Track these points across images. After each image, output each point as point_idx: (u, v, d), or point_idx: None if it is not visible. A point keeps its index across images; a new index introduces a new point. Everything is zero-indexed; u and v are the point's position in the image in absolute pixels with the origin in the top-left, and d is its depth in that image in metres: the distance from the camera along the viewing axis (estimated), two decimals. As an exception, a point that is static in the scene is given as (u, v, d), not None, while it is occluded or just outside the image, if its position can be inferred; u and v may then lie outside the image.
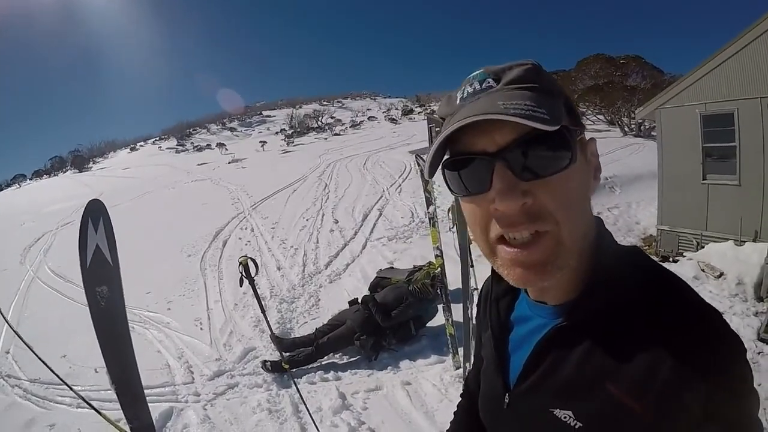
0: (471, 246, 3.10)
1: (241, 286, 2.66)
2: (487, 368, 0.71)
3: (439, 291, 4.57)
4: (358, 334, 4.01)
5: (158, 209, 13.75)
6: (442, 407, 3.31)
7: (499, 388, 0.66)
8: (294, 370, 3.65)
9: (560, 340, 0.57)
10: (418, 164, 3.77)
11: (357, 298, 4.55)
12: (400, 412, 3.32)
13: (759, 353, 5.26)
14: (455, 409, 0.94)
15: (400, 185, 13.55)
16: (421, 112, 48.97)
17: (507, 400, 0.64)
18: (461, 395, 0.95)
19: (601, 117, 24.74)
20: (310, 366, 3.99)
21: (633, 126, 20.32)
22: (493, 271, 0.65)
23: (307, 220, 9.89)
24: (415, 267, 5.36)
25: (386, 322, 4.08)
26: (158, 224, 11.15)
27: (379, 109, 59.51)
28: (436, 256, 3.70)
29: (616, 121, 22.34)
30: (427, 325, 4.42)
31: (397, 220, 9.27)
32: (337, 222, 9.56)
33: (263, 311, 2.86)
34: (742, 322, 5.41)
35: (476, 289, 3.36)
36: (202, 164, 23.39)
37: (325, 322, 4.42)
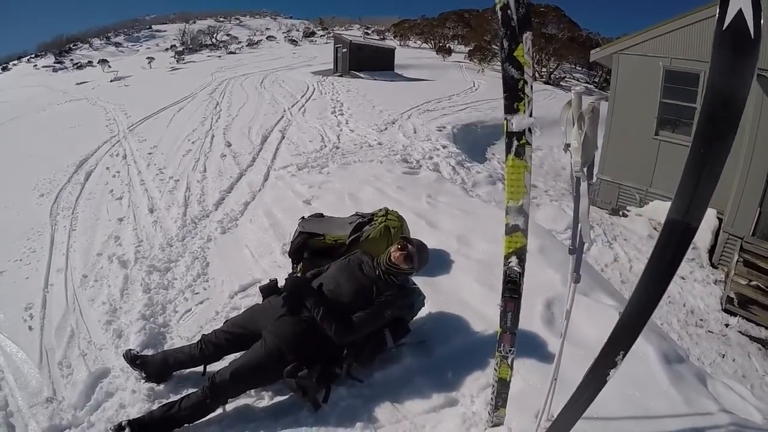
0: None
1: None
2: None
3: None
4: (292, 367, 2.05)
5: (24, 136, 10.97)
6: None
7: None
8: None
9: None
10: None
11: (275, 282, 2.48)
12: None
13: (726, 325, 5.33)
14: None
15: (303, 105, 12.24)
16: (324, 35, 48.30)
17: None
18: None
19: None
20: (202, 422, 2.03)
21: (544, 72, 20.79)
22: None
23: (192, 142, 8.06)
24: (359, 215, 3.47)
25: (345, 337, 2.20)
26: (19, 156, 8.76)
27: (279, 29, 58.08)
28: (514, 231, 1.45)
29: (526, 65, 22.78)
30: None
31: (305, 145, 7.82)
32: (230, 145, 7.81)
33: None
34: (704, 290, 5.37)
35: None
36: (81, 83, 21.24)
37: (221, 326, 2.37)
